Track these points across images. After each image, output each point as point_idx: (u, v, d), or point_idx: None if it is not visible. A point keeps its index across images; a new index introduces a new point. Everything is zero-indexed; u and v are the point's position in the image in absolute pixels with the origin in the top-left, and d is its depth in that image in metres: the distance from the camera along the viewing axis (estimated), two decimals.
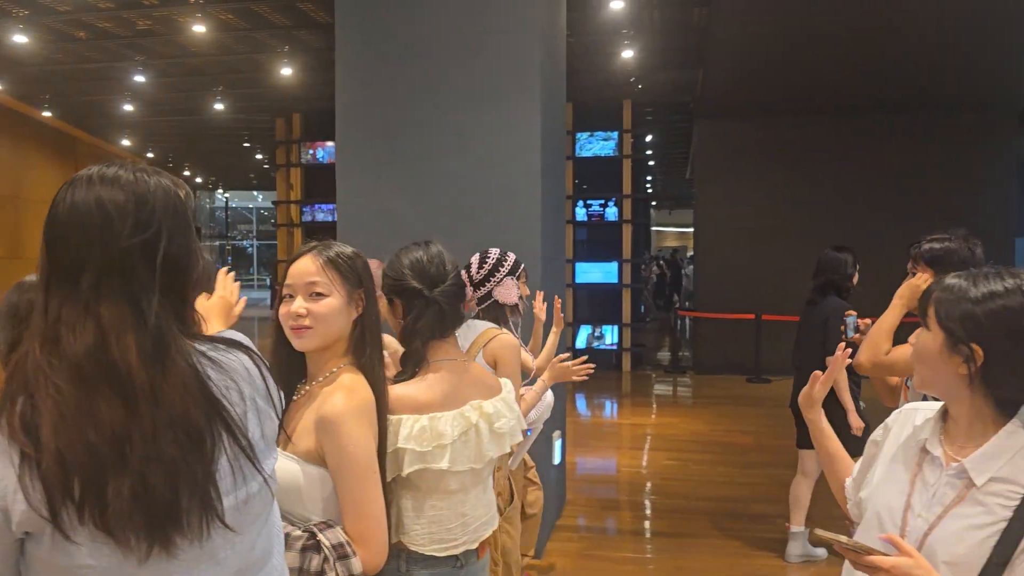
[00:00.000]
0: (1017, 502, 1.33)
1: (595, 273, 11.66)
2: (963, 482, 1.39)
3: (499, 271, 3.05)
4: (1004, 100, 10.13)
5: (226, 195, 27.49)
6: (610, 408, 9.37)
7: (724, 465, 6.49)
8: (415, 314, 1.91)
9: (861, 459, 1.68)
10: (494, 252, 3.14)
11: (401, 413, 1.81)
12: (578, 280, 11.59)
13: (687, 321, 14.93)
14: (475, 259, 3.11)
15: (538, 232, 4.35)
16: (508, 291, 3.04)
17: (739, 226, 10.99)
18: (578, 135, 11.55)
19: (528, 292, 3.23)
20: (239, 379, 1.12)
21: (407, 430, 1.80)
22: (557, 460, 4.85)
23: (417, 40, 4.44)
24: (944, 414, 1.49)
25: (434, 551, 1.83)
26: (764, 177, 10.92)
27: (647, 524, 5.27)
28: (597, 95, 10.80)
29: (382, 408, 1.72)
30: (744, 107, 10.45)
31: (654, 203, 26.80)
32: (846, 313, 3.20)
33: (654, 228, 29.15)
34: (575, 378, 3.02)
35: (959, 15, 6.72)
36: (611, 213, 11.73)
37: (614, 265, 11.60)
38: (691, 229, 15.83)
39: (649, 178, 20.13)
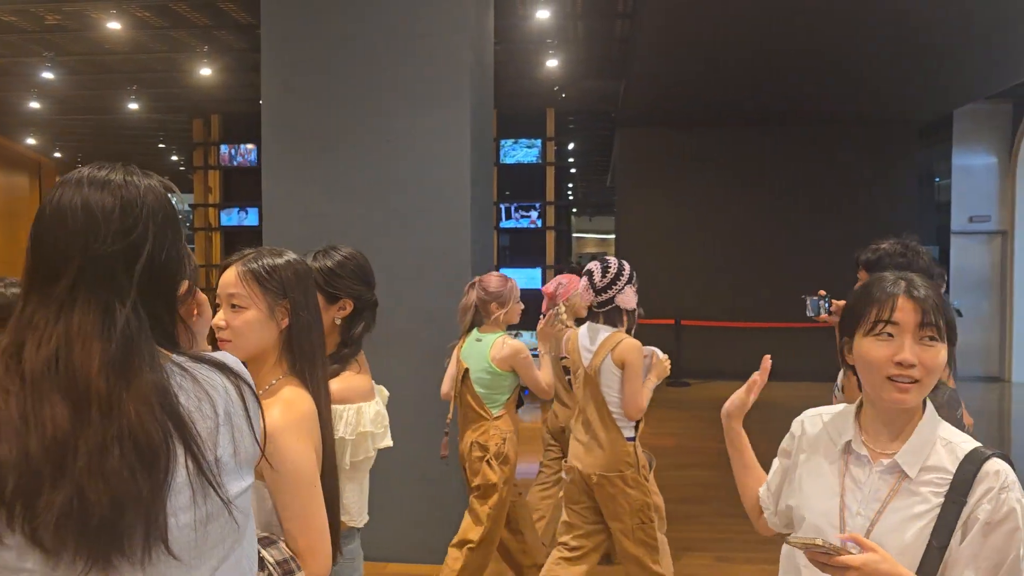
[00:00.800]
0: (946, 488, 1.40)
1: (519, 279, 11.73)
2: (895, 476, 1.45)
3: (620, 279, 3.29)
4: (906, 117, 10.69)
5: None
6: (534, 413, 9.44)
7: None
8: (368, 317, 2.12)
9: (773, 469, 1.71)
10: (613, 261, 3.36)
11: (357, 402, 1.97)
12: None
13: None
14: (596, 267, 3.33)
15: (468, 237, 4.37)
16: (628, 298, 3.30)
17: (659, 232, 11.26)
18: (502, 142, 11.64)
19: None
20: (215, 394, 1.08)
21: (368, 415, 1.97)
22: None
23: (345, 43, 4.41)
24: (857, 414, 1.53)
25: (361, 522, 2.01)
26: (683, 185, 11.22)
27: None
28: (521, 103, 10.91)
29: (325, 419, 1.67)
30: (664, 117, 10.72)
31: (575, 210, 27.16)
32: (818, 293, 3.12)
33: (575, 235, 29.52)
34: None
35: (865, 38, 7.07)
36: (535, 222, 11.86)
37: (537, 271, 11.71)
38: (611, 236, 16.12)
39: (571, 185, 20.40)
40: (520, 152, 11.80)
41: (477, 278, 3.72)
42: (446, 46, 4.36)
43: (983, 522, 1.37)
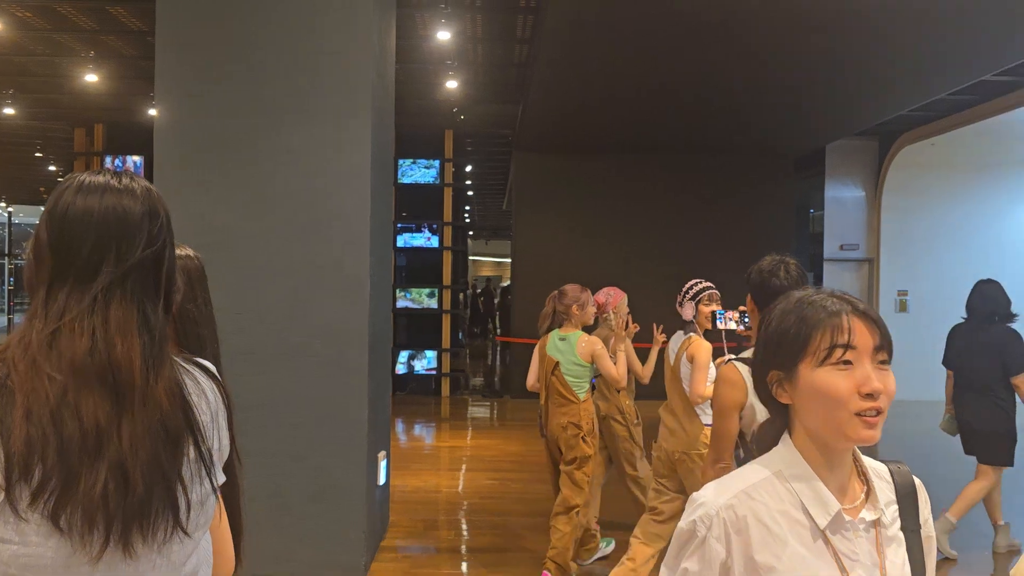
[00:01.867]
0: (899, 517, 1.28)
1: (415, 298, 11.75)
2: (873, 528, 1.25)
3: (686, 296, 4.21)
4: (782, 150, 11.35)
5: (9, 209, 25.02)
6: (430, 432, 9.44)
7: (540, 483, 6.73)
8: None
9: None
10: (690, 282, 4.27)
11: None
12: (398, 305, 11.63)
13: (502, 347, 15.34)
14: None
15: (366, 253, 4.39)
16: (685, 310, 4.17)
17: (553, 257, 11.50)
18: (400, 161, 11.66)
19: (714, 309, 4.11)
20: (206, 390, 1.18)
21: None
22: (382, 480, 4.86)
23: (245, 54, 4.37)
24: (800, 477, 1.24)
25: None
26: (577, 211, 11.53)
27: (467, 541, 5.38)
28: (421, 123, 10.97)
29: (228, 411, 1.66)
30: (560, 143, 11.00)
31: (471, 232, 27.32)
32: (738, 309, 3.42)
33: (471, 257, 29.67)
34: None
35: (746, 76, 7.51)
36: (431, 240, 11.90)
37: (434, 291, 11.74)
38: (508, 259, 16.31)
39: (468, 207, 20.55)
40: (418, 172, 11.84)
41: (556, 291, 4.56)
42: (348, 63, 4.38)
43: (935, 536, 1.35)
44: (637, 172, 11.48)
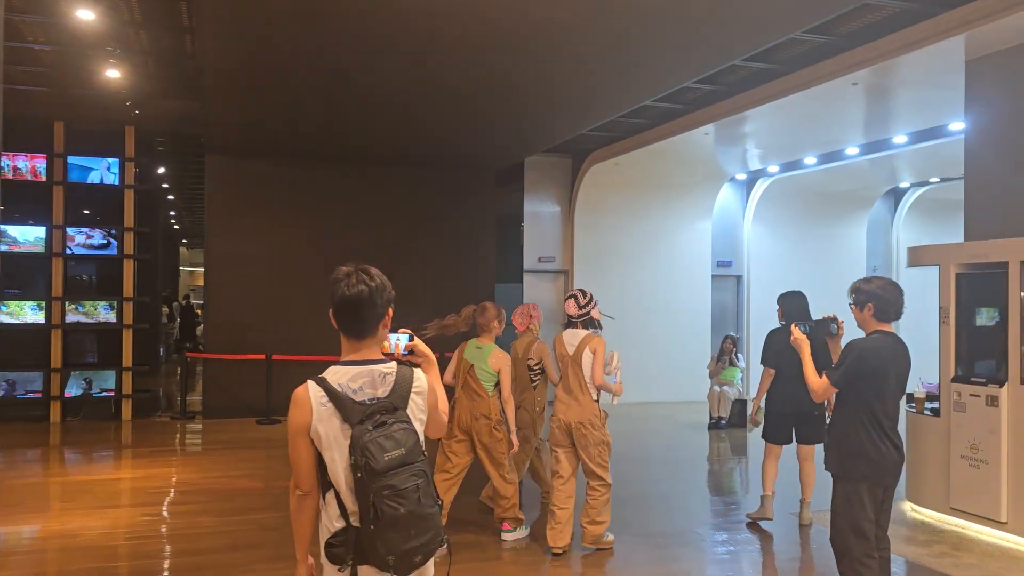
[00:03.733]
0: None
1: (88, 312, 10.47)
2: None
3: (593, 300, 5.24)
4: (484, 163, 11.56)
5: None
6: (92, 463, 8.35)
7: (209, 515, 6.14)
8: None
9: None
10: (587, 289, 5.34)
11: None
12: (70, 319, 10.30)
13: (199, 364, 14.24)
14: (579, 293, 5.27)
15: None
16: (597, 311, 5.27)
17: (249, 266, 10.82)
18: (71, 159, 10.35)
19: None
20: None
21: None
22: None
23: None
24: None
25: None
26: (271, 218, 10.96)
27: None
28: (92, 117, 9.80)
29: None
30: (250, 146, 10.38)
31: (184, 240, 25.45)
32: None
33: (186, 268, 27.67)
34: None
35: (432, 90, 7.42)
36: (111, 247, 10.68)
37: (115, 303, 10.54)
38: None
39: (173, 213, 18.99)
40: (98, 172, 10.57)
41: (478, 305, 5.49)
42: None
43: None
44: (336, 182, 11.14)
